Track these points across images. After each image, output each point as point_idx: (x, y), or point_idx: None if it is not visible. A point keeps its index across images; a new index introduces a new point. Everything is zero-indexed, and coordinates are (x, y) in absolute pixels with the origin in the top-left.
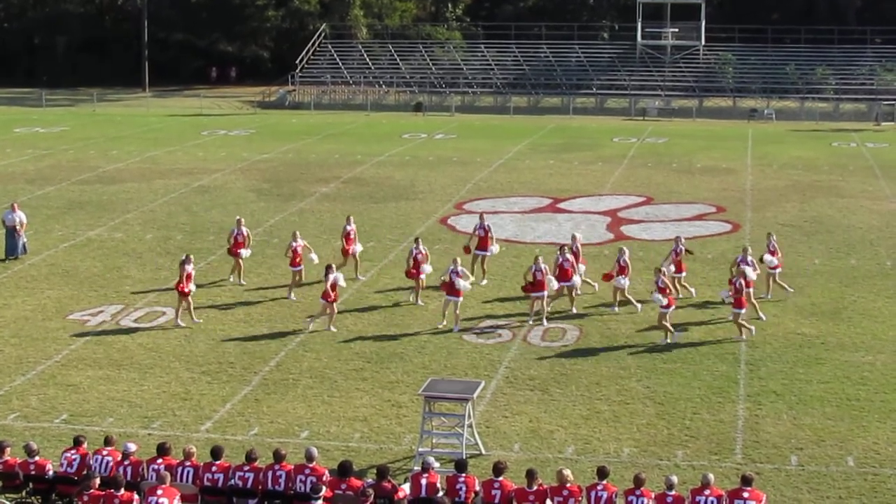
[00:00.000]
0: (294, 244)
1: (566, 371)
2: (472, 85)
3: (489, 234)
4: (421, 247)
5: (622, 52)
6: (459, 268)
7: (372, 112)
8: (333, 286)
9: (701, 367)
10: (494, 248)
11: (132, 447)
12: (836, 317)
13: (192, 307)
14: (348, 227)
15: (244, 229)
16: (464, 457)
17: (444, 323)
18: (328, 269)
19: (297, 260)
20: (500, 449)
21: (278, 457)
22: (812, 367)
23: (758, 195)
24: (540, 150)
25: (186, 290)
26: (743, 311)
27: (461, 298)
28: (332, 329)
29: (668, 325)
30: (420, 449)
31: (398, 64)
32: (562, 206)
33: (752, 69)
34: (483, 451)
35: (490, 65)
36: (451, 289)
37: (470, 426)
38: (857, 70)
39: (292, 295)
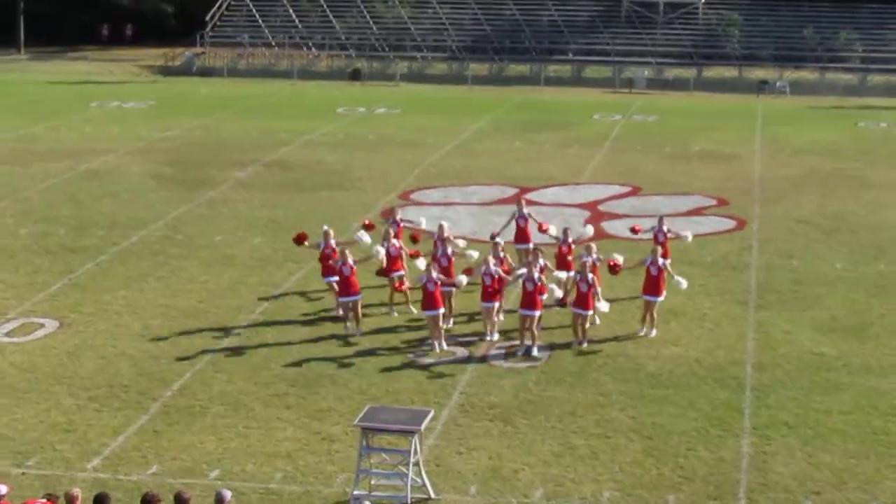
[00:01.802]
0: None
1: (534, 398)
2: (421, 49)
3: (528, 223)
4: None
5: (604, 10)
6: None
7: (299, 81)
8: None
9: (698, 393)
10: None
11: (3, 489)
12: (861, 334)
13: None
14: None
15: (333, 242)
16: (408, 502)
17: (490, 336)
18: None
19: None
20: (454, 492)
21: (181, 501)
22: (831, 394)
23: (767, 186)
24: (504, 129)
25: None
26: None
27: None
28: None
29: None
30: (356, 492)
31: (331, 22)
32: (530, 196)
33: (762, 32)
34: (432, 495)
35: (444, 24)
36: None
37: (416, 464)
38: (888, 34)
39: None
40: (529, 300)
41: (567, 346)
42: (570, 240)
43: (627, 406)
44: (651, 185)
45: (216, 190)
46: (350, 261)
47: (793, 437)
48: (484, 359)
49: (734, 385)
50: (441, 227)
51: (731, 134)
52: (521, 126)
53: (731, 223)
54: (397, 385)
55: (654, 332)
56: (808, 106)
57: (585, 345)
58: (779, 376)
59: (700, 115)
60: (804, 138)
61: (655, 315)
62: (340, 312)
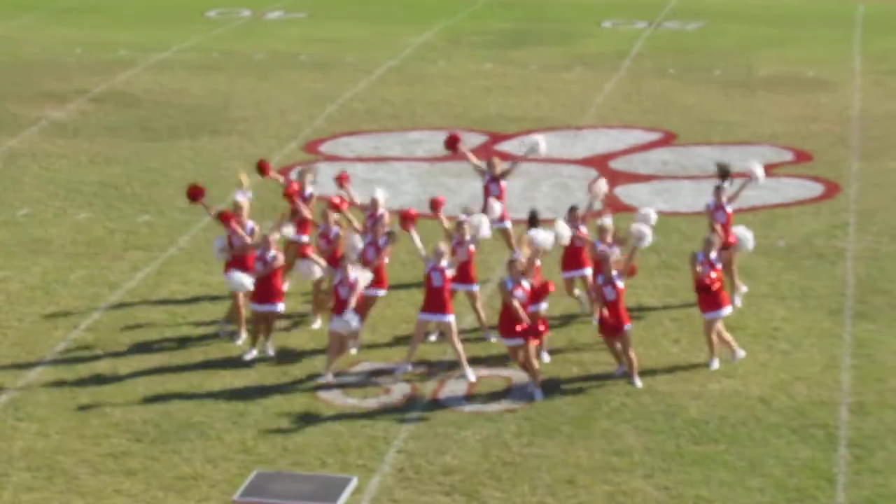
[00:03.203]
0: None
1: (512, 458)
2: None
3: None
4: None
5: None
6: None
7: None
8: None
9: (765, 450)
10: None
11: None
12: None
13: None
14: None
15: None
16: None
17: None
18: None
19: None
20: None
21: None
22: None
23: (872, 130)
24: (467, 44)
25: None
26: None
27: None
28: None
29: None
30: None
31: None
32: (506, 147)
33: None
34: None
35: None
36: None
37: None
38: None
39: None
40: (508, 322)
41: (564, 385)
42: (580, 223)
43: (657, 470)
44: (691, 129)
45: (18, 137)
46: (273, 254)
47: None
48: (436, 399)
49: (821, 438)
50: (375, 201)
51: (815, 50)
52: (494, 39)
53: (817, 188)
54: (301, 439)
55: (715, 363)
56: None
57: (638, 384)
58: (890, 424)
59: (768, 20)
60: None
61: (723, 330)
62: (243, 334)
